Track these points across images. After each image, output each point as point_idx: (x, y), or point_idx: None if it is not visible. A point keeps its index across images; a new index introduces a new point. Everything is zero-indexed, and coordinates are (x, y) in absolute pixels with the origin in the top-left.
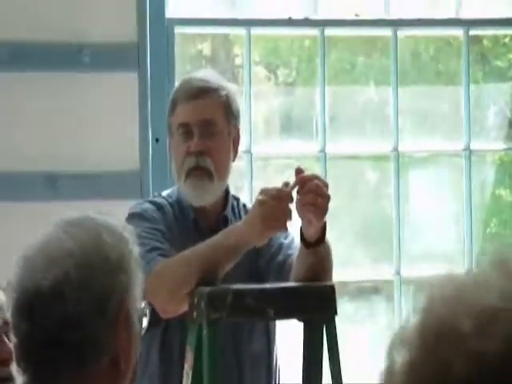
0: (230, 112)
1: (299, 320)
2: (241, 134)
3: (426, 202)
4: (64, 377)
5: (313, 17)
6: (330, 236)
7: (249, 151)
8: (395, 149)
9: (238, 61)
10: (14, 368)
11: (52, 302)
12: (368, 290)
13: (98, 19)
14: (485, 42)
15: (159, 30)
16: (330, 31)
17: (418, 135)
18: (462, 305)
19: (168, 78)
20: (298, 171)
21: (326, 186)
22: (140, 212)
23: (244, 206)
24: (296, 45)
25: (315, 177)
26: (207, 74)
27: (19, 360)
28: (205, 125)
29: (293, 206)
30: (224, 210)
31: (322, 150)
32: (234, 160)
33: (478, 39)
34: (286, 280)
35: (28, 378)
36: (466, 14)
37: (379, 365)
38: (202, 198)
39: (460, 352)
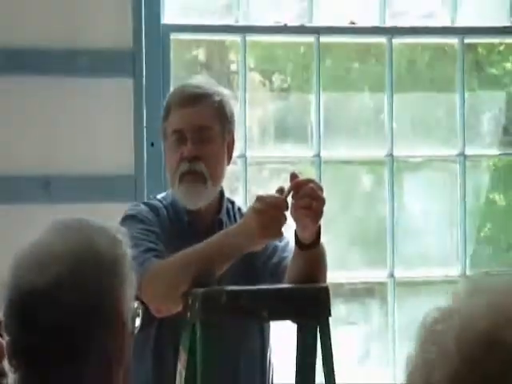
0: (223, 117)
1: (293, 321)
2: (236, 139)
3: (420, 207)
4: (55, 376)
5: (308, 24)
6: (324, 239)
7: (244, 155)
8: (390, 154)
9: (233, 67)
10: (6, 364)
11: (44, 303)
12: (362, 292)
13: (94, 25)
14: (480, 50)
15: (155, 36)
16: (325, 38)
17: (413, 140)
18: (502, 316)
19: (163, 84)
20: (293, 176)
21: (321, 189)
22: (135, 214)
23: (239, 209)
24: (291, 51)
25: (310, 181)
26: (201, 81)
27: (11, 358)
28: (198, 130)
29: (288, 210)
30: (219, 213)
31: (317, 155)
32: (228, 164)
33: (472, 47)
34: (281, 282)
35: (19, 376)
36: (461, 23)
37: (373, 366)
38: (196, 202)
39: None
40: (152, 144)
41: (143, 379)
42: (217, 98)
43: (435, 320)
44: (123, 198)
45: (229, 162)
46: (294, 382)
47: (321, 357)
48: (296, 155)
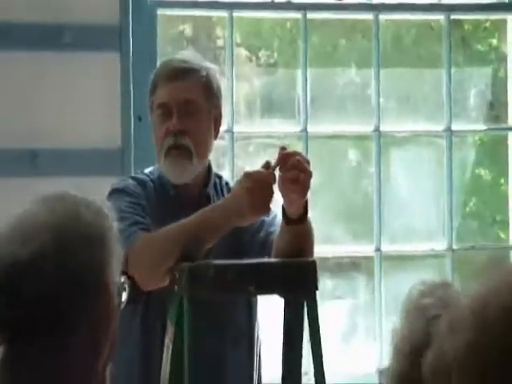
0: (210, 92)
1: (280, 296)
2: (223, 114)
3: (407, 182)
4: (41, 348)
5: (295, 0)
6: (311, 213)
7: (231, 130)
8: (377, 129)
9: (219, 42)
10: None
11: (28, 274)
12: (348, 267)
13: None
14: (466, 27)
15: (141, 12)
16: (311, 15)
17: (400, 116)
18: None
19: (150, 58)
20: (282, 149)
21: (308, 162)
22: (122, 187)
23: (226, 183)
24: (278, 27)
25: (297, 153)
26: (188, 55)
27: None
28: (184, 104)
29: (275, 183)
30: (206, 187)
31: (304, 130)
32: (215, 139)
33: (459, 24)
34: (269, 256)
35: (3, 349)
36: None
37: (360, 340)
38: (181, 176)
39: None
40: (139, 118)
41: (130, 353)
42: (203, 73)
43: (421, 293)
44: (110, 172)
45: (215, 137)
46: (281, 356)
47: (308, 331)
48: (283, 130)
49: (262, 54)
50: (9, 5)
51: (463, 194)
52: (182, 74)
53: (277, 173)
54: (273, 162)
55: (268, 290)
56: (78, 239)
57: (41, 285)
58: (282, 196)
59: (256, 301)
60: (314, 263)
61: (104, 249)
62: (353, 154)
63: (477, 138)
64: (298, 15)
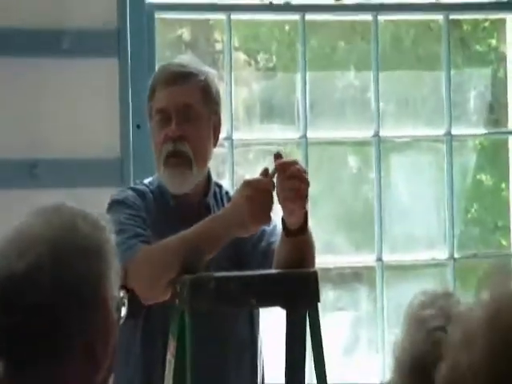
0: (209, 97)
1: (282, 308)
2: (222, 121)
3: (407, 188)
4: (38, 360)
5: (293, 2)
6: (311, 222)
7: (230, 138)
8: (376, 134)
9: (218, 46)
10: None
11: (25, 286)
12: (350, 277)
13: (78, 4)
14: (465, 27)
15: (139, 16)
16: (310, 16)
17: (399, 120)
18: None
19: (148, 64)
20: (277, 156)
21: (305, 171)
22: (122, 199)
23: (226, 193)
24: (276, 30)
25: (295, 162)
26: (186, 60)
27: None
28: (183, 109)
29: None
30: (206, 196)
31: (303, 136)
32: (214, 146)
33: (457, 24)
34: (270, 267)
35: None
36: None
37: (362, 352)
38: (181, 186)
39: None
40: (138, 126)
41: (132, 369)
42: (202, 77)
43: (422, 304)
44: (109, 181)
45: (215, 144)
46: (283, 367)
47: (310, 343)
48: (282, 137)
49: (261, 57)
50: (5, 11)
51: (464, 200)
52: (180, 78)
53: (275, 179)
54: (270, 169)
55: (270, 301)
56: (75, 251)
57: (37, 297)
58: (282, 206)
59: (258, 313)
60: (315, 274)
61: (101, 261)
62: (353, 161)
63: (477, 142)
64: (296, 17)
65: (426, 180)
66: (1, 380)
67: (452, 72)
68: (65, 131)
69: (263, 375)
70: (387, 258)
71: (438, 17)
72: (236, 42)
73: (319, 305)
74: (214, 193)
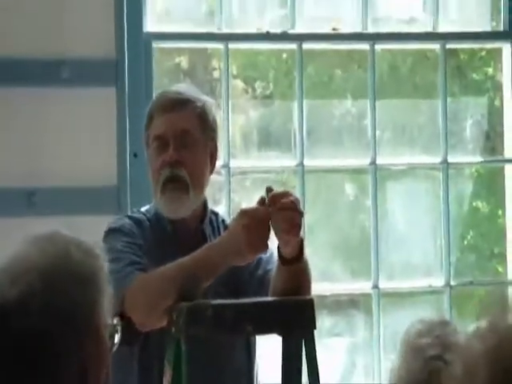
0: (206, 123)
1: (278, 335)
2: (219, 148)
3: (403, 215)
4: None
5: (291, 31)
6: (308, 249)
7: (227, 165)
8: (373, 162)
9: (215, 74)
10: None
11: (16, 313)
12: (346, 304)
13: (76, 35)
14: (461, 56)
15: (137, 45)
16: (307, 45)
17: (396, 148)
18: None
19: (146, 93)
20: (269, 190)
21: (299, 202)
22: (118, 227)
23: (223, 221)
24: (273, 58)
25: (287, 193)
26: (183, 87)
27: None
28: (180, 135)
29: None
30: (202, 223)
31: (300, 164)
32: (211, 173)
33: (454, 53)
34: (266, 295)
35: None
36: (443, 28)
37: (359, 378)
38: (178, 211)
39: None
40: (135, 155)
41: None
42: (199, 104)
43: (419, 333)
44: (106, 209)
45: (212, 171)
46: None
47: (306, 370)
48: (279, 165)
49: (258, 85)
50: (4, 41)
51: (461, 227)
52: (177, 104)
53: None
54: (267, 199)
55: (266, 329)
56: (68, 278)
57: (28, 322)
58: (277, 237)
59: (255, 340)
60: (311, 301)
61: (94, 288)
62: (349, 188)
63: (473, 170)
64: (293, 46)
65: (423, 207)
66: None
67: (448, 100)
68: (63, 159)
69: None
70: (384, 285)
71: (435, 46)
72: (234, 70)
73: (315, 331)
74: (211, 220)
